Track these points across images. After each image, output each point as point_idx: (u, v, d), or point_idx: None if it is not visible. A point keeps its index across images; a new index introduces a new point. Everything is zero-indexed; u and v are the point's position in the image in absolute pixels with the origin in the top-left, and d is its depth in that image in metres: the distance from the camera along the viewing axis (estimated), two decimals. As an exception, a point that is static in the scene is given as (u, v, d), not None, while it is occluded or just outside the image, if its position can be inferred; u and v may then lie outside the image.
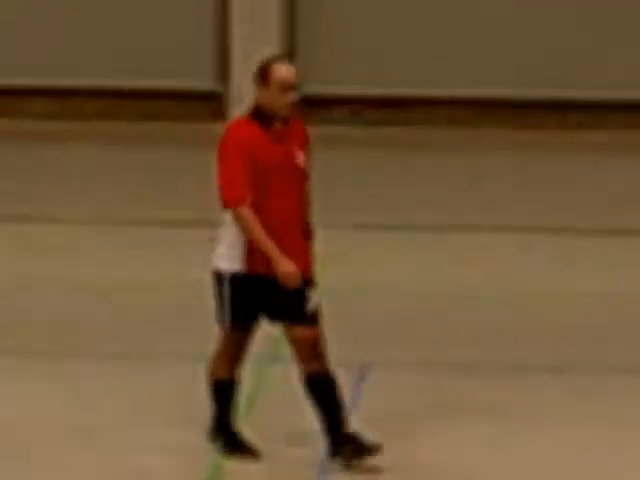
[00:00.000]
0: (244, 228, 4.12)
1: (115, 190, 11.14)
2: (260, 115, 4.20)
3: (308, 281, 4.27)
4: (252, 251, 4.17)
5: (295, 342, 4.28)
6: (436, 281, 8.23)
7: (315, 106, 12.40)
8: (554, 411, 5.46)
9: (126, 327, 6.98)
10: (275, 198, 4.21)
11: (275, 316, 4.31)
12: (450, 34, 13.74)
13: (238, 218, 4.12)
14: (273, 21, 13.96)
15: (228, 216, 4.22)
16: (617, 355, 6.51)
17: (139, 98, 14.19)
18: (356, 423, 4.51)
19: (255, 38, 13.65)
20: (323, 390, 4.28)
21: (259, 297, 4.26)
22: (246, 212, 4.08)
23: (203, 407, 4.64)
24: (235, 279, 4.22)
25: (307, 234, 4.44)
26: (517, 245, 9.34)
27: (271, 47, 13.79)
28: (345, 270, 7.80)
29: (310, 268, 4.34)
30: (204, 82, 14.20)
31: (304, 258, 4.28)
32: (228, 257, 4.25)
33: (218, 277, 4.29)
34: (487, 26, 13.65)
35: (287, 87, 4.21)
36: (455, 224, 9.74)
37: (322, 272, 4.66)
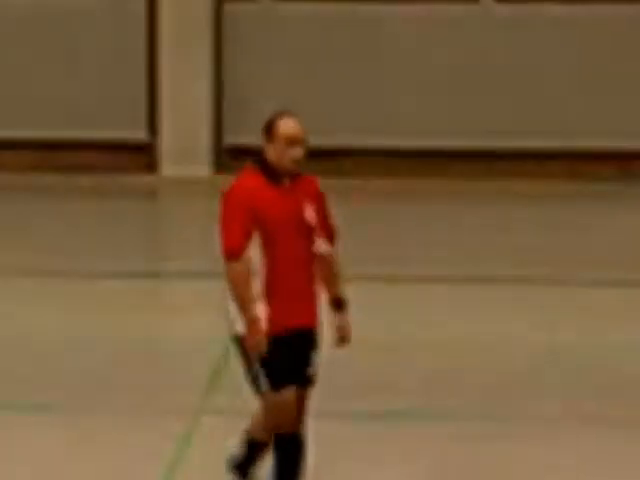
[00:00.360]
0: (231, 280, 3.90)
1: (43, 240, 11.40)
2: (267, 169, 4.13)
3: (312, 341, 4.11)
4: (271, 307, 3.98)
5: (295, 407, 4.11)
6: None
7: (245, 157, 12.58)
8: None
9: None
10: (281, 251, 4.04)
11: (289, 378, 4.07)
12: (385, 86, 14.43)
13: (229, 270, 3.91)
14: (204, 75, 14.34)
15: None
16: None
17: (70, 149, 14.36)
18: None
19: (185, 91, 14.07)
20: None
21: (284, 350, 4.00)
22: (240, 267, 3.89)
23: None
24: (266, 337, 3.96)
25: (335, 300, 4.22)
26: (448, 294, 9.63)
27: (200, 102, 14.19)
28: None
29: (316, 323, 4.13)
30: (135, 134, 14.40)
31: (311, 310, 4.10)
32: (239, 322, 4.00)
33: (238, 339, 4.04)
34: (422, 84, 14.37)
35: (293, 142, 4.14)
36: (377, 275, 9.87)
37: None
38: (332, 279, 4.18)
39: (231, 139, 14.41)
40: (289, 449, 4.04)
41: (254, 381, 3.99)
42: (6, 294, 9.02)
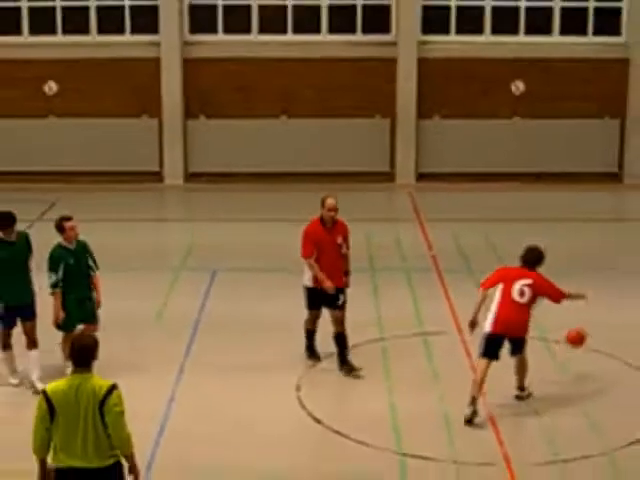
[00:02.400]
0: (309, 266, 10.00)
1: None
2: (321, 220, 10.04)
3: (340, 289, 10.08)
4: (315, 277, 9.97)
5: (332, 318, 10.10)
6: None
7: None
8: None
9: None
10: (325, 256, 9.97)
11: (326, 305, 10.09)
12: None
13: (306, 263, 10.02)
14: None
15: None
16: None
17: None
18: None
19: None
20: (341, 340, 10.17)
21: (319, 296, 10.09)
22: (310, 260, 9.94)
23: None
24: (309, 288, 10.14)
25: (346, 272, 10.36)
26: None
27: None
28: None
29: (341, 284, 10.11)
30: None
31: (339, 280, 10.06)
32: (307, 279, 10.11)
33: (305, 288, 10.22)
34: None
35: (331, 209, 9.95)
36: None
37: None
38: (345, 266, 10.32)
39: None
40: (312, 333, 10.52)
41: (307, 305, 10.24)
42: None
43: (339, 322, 10.45)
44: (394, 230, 17.40)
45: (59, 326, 10.05)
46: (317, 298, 10.53)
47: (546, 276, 10.13)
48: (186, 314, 12.74)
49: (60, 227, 10.16)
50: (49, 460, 6.90)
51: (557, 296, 10.02)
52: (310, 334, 11.10)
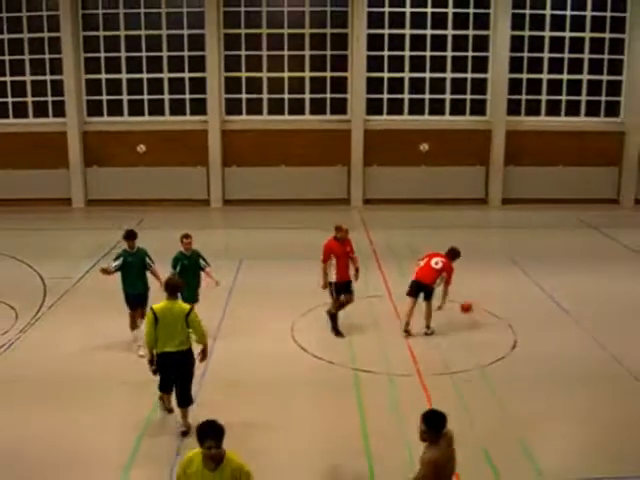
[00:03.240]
0: (324, 268, 13.81)
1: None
2: (335, 238, 13.89)
3: (349, 282, 14.03)
4: (336, 274, 13.89)
5: (347, 299, 14.09)
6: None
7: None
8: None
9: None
10: (340, 261, 13.85)
11: (343, 292, 14.04)
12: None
13: (324, 265, 13.81)
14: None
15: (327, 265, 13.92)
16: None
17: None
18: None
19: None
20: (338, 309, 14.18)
21: (341, 286, 14.03)
22: (325, 265, 13.83)
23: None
24: (336, 283, 13.93)
25: (356, 271, 14.09)
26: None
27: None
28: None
29: (350, 278, 13.99)
30: None
31: (348, 275, 13.98)
32: (332, 276, 13.86)
33: (330, 283, 13.88)
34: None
35: (342, 231, 13.95)
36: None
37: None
38: (354, 262, 14.15)
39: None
40: (335, 317, 14.19)
41: (330, 294, 14.12)
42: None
43: (347, 303, 14.05)
44: (351, 234, 19.52)
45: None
46: (338, 289, 13.85)
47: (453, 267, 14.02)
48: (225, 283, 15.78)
49: (181, 241, 13.58)
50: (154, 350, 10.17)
51: (448, 280, 14.01)
52: (334, 317, 14.09)
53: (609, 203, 28.32)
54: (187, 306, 10.16)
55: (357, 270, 14.03)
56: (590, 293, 17.22)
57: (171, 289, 10.15)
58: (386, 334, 14.30)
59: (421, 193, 27.63)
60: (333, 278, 13.78)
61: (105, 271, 13.11)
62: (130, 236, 13.19)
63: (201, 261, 13.68)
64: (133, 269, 13.13)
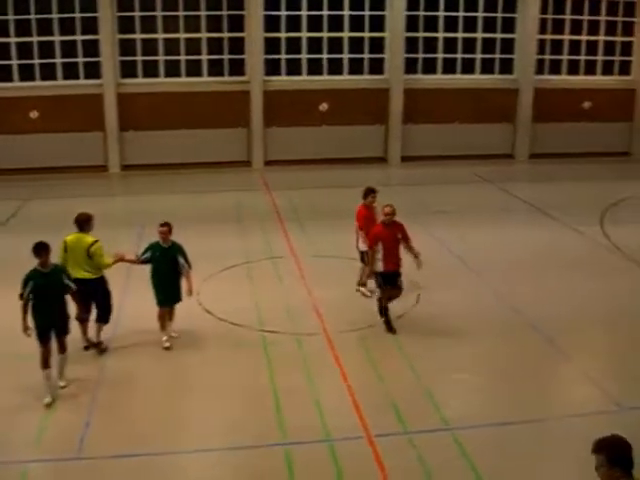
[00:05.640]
0: (371, 255, 12.45)
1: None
2: (383, 223, 12.52)
3: (399, 272, 12.55)
4: (382, 263, 12.38)
5: (393, 293, 12.59)
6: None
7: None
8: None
9: None
10: (388, 244, 12.34)
11: (390, 283, 12.52)
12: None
13: (370, 251, 12.48)
14: None
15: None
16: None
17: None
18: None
19: None
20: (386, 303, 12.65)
21: (387, 277, 12.48)
22: (372, 252, 12.35)
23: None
24: (382, 273, 12.45)
25: (416, 254, 12.54)
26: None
27: None
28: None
29: (400, 268, 12.56)
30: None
31: (399, 264, 12.54)
32: (379, 265, 12.40)
33: (376, 274, 12.55)
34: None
35: (388, 214, 12.35)
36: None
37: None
38: (411, 249, 12.65)
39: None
40: (386, 310, 12.70)
41: (378, 285, 12.69)
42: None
43: (397, 296, 12.79)
44: (253, 196, 23.18)
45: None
46: (384, 276, 12.62)
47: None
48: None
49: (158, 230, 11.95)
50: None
51: (360, 226, 14.02)
52: (385, 310, 12.79)
53: (505, 158, 29.19)
54: (90, 239, 11.42)
55: (411, 250, 12.81)
56: (487, 245, 17.82)
57: (79, 224, 11.56)
58: (291, 294, 14.47)
59: (322, 153, 27.85)
60: (380, 268, 12.59)
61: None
62: (40, 250, 10.27)
63: (180, 259, 11.91)
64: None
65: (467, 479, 8.63)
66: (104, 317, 12.06)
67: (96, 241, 11.50)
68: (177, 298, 12.18)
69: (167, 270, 11.92)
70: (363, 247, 13.55)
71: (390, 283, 12.55)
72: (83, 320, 11.97)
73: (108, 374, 11.25)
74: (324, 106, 27.87)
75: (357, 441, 9.30)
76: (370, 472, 8.70)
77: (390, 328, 12.58)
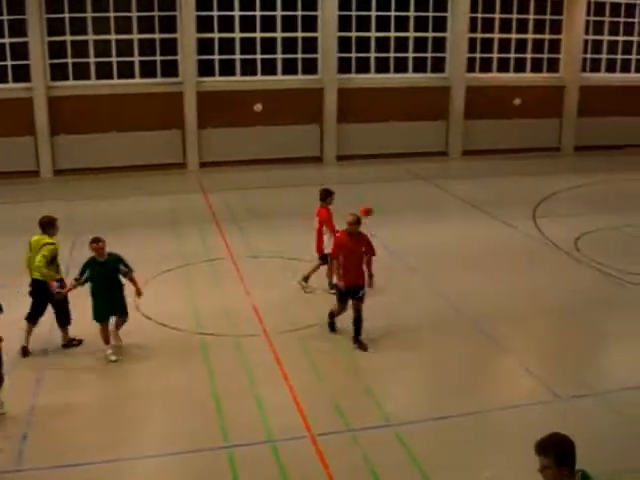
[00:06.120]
0: (334, 266, 12.02)
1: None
2: (347, 232, 11.81)
3: (360, 286, 11.87)
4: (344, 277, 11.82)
5: (353, 306, 11.93)
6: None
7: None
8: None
9: None
10: (350, 256, 11.76)
11: (351, 297, 11.93)
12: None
13: (334, 261, 11.99)
14: None
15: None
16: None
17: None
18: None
19: None
20: (357, 321, 11.97)
21: (347, 292, 11.91)
22: (335, 262, 11.89)
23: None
24: (341, 289, 11.99)
25: (371, 274, 11.98)
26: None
27: None
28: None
29: (363, 282, 11.85)
30: None
31: (362, 278, 11.85)
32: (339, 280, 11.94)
33: (335, 287, 12.37)
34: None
35: (352, 223, 11.76)
36: None
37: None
38: (369, 265, 12.07)
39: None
40: (332, 324, 12.46)
41: (337, 299, 12.19)
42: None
43: (358, 311, 12.11)
44: (189, 198, 22.99)
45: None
46: (343, 293, 12.14)
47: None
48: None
49: (90, 247, 11.62)
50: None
51: (327, 226, 14.06)
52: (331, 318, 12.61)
53: (439, 155, 29.53)
54: (47, 240, 11.61)
55: (369, 265, 12.35)
56: (423, 243, 18.01)
57: (41, 226, 11.77)
58: (230, 296, 14.47)
59: (257, 154, 27.93)
60: (341, 283, 12.14)
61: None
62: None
63: (121, 266, 11.76)
64: None
65: (411, 474, 8.74)
66: (64, 320, 12.13)
67: (52, 243, 11.63)
68: (123, 309, 12.00)
69: (109, 284, 11.68)
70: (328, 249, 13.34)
71: (351, 297, 12.13)
72: (30, 320, 11.95)
73: (46, 384, 11.05)
74: (258, 107, 27.80)
75: (301, 441, 9.33)
76: (315, 471, 8.74)
77: (333, 328, 12.65)
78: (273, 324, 13.02)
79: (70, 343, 12.28)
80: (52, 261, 11.70)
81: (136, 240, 17.12)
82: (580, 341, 12.43)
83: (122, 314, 12.01)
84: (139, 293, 11.93)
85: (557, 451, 4.91)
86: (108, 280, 11.62)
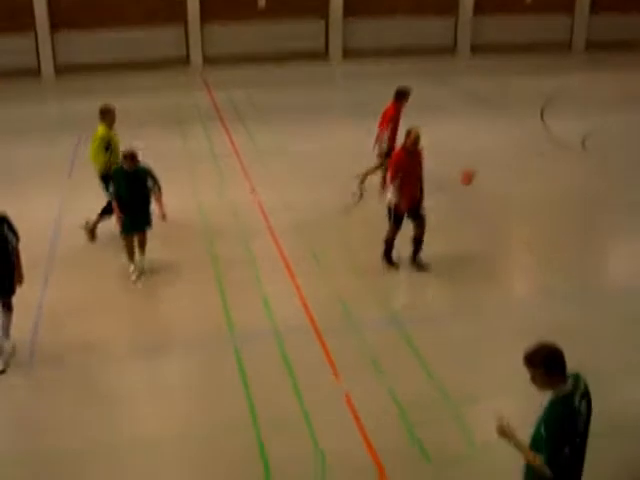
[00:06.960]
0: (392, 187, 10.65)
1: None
2: (403, 148, 10.62)
3: (418, 204, 10.79)
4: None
5: (417, 224, 10.93)
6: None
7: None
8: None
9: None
10: (409, 176, 10.58)
11: (410, 217, 10.91)
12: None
13: (391, 183, 10.57)
14: None
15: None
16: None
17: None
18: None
19: None
20: (418, 242, 11.08)
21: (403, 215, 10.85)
22: (391, 184, 10.52)
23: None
24: (397, 211, 10.82)
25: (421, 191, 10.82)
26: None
27: None
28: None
29: (420, 199, 10.82)
30: None
31: (419, 196, 10.80)
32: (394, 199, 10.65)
33: (389, 208, 10.81)
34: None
35: (415, 141, 10.49)
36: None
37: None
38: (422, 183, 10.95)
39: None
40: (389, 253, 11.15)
41: (389, 218, 10.87)
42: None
43: (421, 227, 11.13)
44: (193, 95, 22.52)
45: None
46: (400, 218, 11.06)
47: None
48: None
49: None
50: None
51: (384, 123, 13.55)
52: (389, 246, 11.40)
53: (446, 52, 28.78)
54: (100, 129, 11.81)
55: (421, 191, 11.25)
56: (433, 141, 17.18)
57: (100, 114, 11.95)
58: (236, 194, 14.24)
59: (261, 49, 27.19)
60: (394, 202, 10.92)
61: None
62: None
63: (149, 181, 10.99)
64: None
65: (411, 364, 8.81)
66: (106, 210, 12.25)
67: (105, 135, 11.84)
68: (146, 223, 11.21)
69: (134, 197, 10.93)
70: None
71: (410, 217, 11.12)
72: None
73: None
74: (262, 1, 27.01)
75: (306, 335, 9.34)
76: (319, 362, 8.78)
77: (391, 261, 11.39)
78: (278, 222, 12.91)
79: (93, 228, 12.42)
80: (107, 148, 11.88)
81: (140, 138, 16.18)
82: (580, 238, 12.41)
83: (142, 229, 11.26)
84: (164, 216, 11.06)
85: (546, 361, 5.04)
86: (133, 193, 10.92)
